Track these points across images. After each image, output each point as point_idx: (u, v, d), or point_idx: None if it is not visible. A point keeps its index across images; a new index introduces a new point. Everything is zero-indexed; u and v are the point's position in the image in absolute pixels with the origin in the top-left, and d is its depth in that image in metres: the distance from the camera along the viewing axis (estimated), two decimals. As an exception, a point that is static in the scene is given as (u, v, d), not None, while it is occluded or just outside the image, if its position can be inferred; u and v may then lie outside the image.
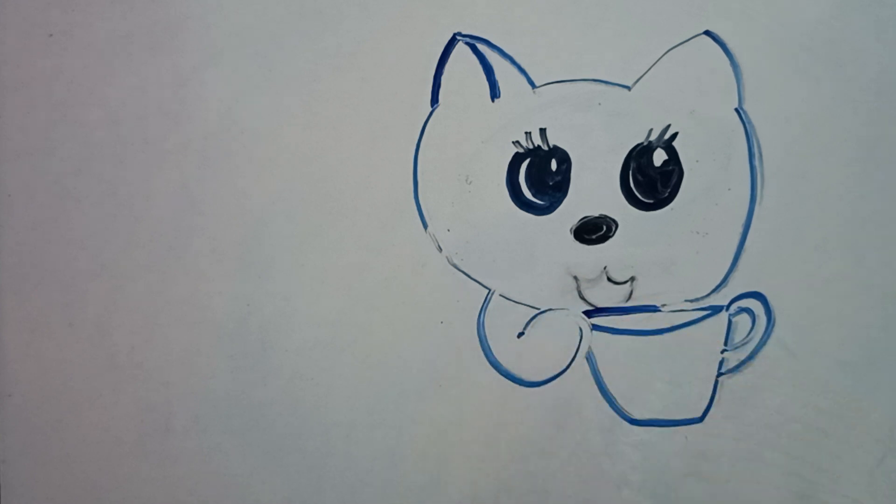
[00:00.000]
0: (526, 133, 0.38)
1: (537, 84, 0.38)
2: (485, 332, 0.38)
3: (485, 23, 0.37)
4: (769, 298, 0.41)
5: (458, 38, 0.36)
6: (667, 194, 0.40)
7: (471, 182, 0.37)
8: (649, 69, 0.39)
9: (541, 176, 0.38)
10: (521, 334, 0.39)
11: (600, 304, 0.40)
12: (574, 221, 0.39)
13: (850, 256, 0.42)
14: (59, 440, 0.33)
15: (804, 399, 0.42)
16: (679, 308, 0.41)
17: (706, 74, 0.40)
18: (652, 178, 0.40)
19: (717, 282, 0.41)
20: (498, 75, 0.37)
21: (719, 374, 0.41)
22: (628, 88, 0.39)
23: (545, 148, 0.38)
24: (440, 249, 0.37)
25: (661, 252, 0.40)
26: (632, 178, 0.39)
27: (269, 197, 0.35)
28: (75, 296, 0.33)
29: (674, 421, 0.41)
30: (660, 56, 0.39)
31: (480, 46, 0.37)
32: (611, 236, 0.39)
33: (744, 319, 0.41)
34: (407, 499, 0.38)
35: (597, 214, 0.39)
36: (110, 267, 0.33)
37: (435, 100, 0.37)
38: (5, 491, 0.33)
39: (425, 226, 0.37)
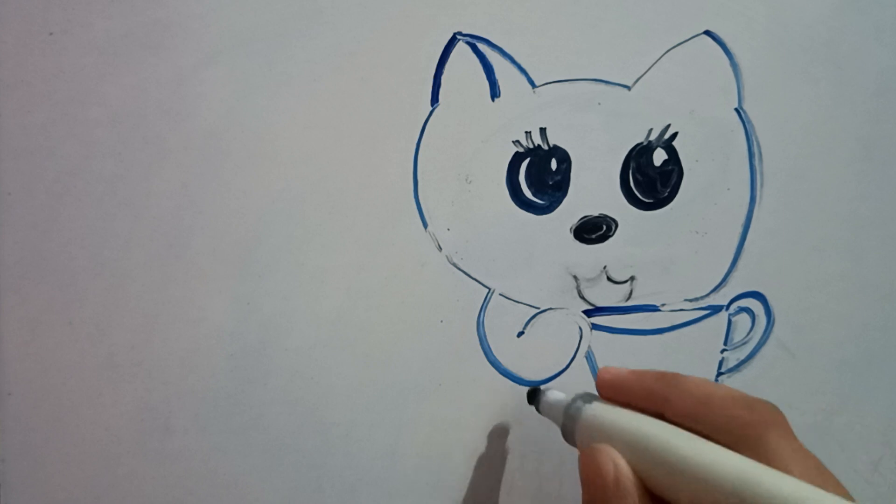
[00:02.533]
0: (526, 132, 0.38)
1: (537, 84, 0.38)
2: (484, 332, 0.38)
3: (485, 22, 0.37)
4: (769, 298, 0.41)
5: (459, 37, 0.36)
6: (666, 194, 0.40)
7: (471, 181, 0.37)
8: (649, 69, 0.39)
9: (541, 175, 0.38)
10: (520, 334, 0.39)
11: (600, 304, 0.40)
12: (574, 221, 0.39)
13: (849, 256, 0.42)
14: (58, 439, 0.33)
15: (803, 399, 0.43)
16: (679, 308, 0.41)
17: (706, 74, 0.40)
18: (652, 177, 0.40)
19: (717, 281, 0.41)
20: (498, 75, 0.37)
21: (719, 374, 0.41)
22: (628, 88, 0.39)
23: (545, 147, 0.38)
24: (440, 249, 0.37)
25: (661, 252, 0.40)
26: (631, 178, 0.39)
27: (269, 197, 0.35)
28: (75, 294, 0.33)
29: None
30: (660, 56, 0.39)
31: (480, 46, 0.37)
32: (610, 236, 0.39)
33: (743, 319, 0.41)
34: (407, 499, 0.38)
35: (596, 214, 0.39)
36: (110, 266, 0.33)
37: (435, 99, 0.37)
38: (5, 490, 0.33)
39: (425, 225, 0.37)
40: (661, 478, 0.28)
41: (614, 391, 0.32)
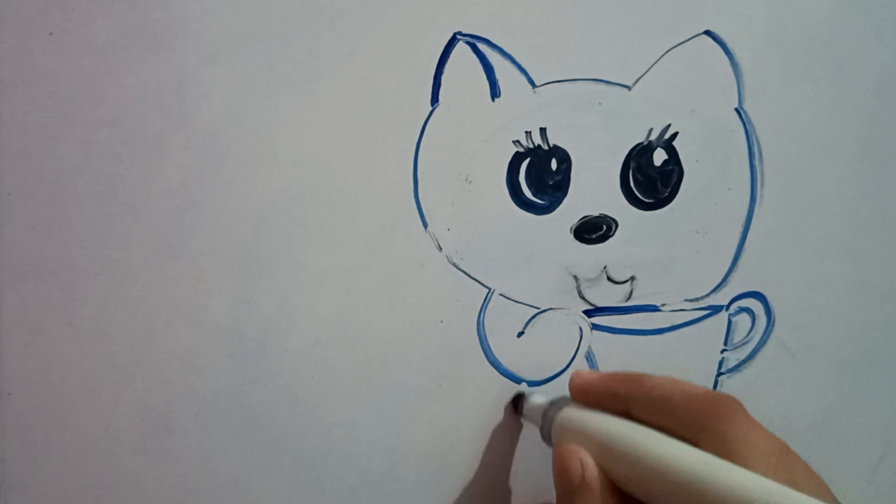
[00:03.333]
0: (526, 132, 0.38)
1: (537, 83, 0.38)
2: (485, 332, 0.38)
3: (485, 22, 0.37)
4: (769, 298, 0.41)
5: (459, 37, 0.36)
6: (667, 194, 0.40)
7: (471, 181, 0.37)
8: (649, 69, 0.39)
9: (541, 175, 0.38)
10: (520, 334, 0.39)
11: (600, 304, 0.40)
12: (574, 221, 0.39)
13: (849, 256, 0.42)
14: (58, 439, 0.33)
15: (804, 399, 0.43)
16: (679, 308, 0.41)
17: (706, 74, 0.40)
18: (652, 177, 0.40)
19: (717, 281, 0.41)
20: (498, 75, 0.37)
21: (719, 374, 0.41)
22: (628, 88, 0.39)
23: (545, 147, 0.38)
24: (440, 249, 0.37)
25: (661, 252, 0.40)
26: (632, 178, 0.39)
27: (269, 197, 0.35)
28: (75, 294, 0.33)
29: (673, 421, 0.41)
30: (660, 56, 0.39)
31: (480, 46, 0.37)
32: (611, 236, 0.39)
33: (743, 319, 0.41)
34: (406, 499, 0.38)
35: (597, 214, 0.39)
36: (110, 266, 0.33)
37: (435, 99, 0.37)
38: (5, 490, 0.33)
39: (425, 225, 0.37)
40: (627, 474, 0.30)
41: (584, 395, 0.35)
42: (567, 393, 0.36)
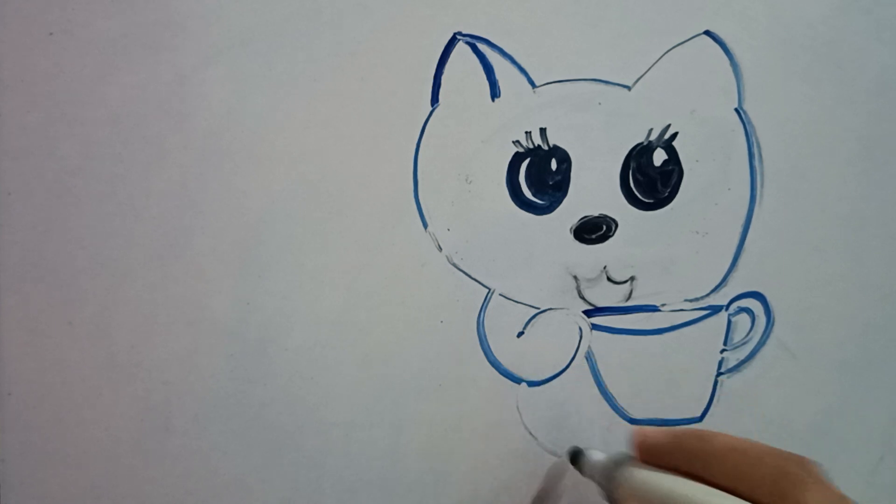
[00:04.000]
0: (526, 133, 0.38)
1: (537, 84, 0.38)
2: (485, 332, 0.38)
3: (485, 22, 0.37)
4: (769, 298, 0.41)
5: (459, 37, 0.36)
6: (667, 194, 0.40)
7: (471, 182, 0.37)
8: (649, 69, 0.39)
9: (541, 175, 0.38)
10: (520, 334, 0.39)
11: (600, 304, 0.40)
12: (574, 221, 0.39)
13: (849, 256, 0.42)
14: (58, 439, 0.33)
15: (803, 399, 0.43)
16: (679, 308, 0.41)
17: (706, 74, 0.40)
18: (652, 177, 0.40)
19: (717, 282, 0.41)
20: (498, 75, 0.37)
21: (719, 374, 0.41)
22: (628, 88, 0.39)
23: (545, 147, 0.38)
24: (440, 249, 0.37)
25: (661, 252, 0.40)
26: (632, 178, 0.39)
27: (269, 197, 0.35)
28: (75, 294, 0.33)
29: (673, 420, 0.41)
30: (660, 56, 0.39)
31: (480, 46, 0.37)
32: (611, 236, 0.39)
33: (743, 319, 0.41)
34: (406, 499, 0.38)
35: (597, 214, 0.39)
36: (110, 266, 0.33)
37: (435, 99, 0.37)
38: (5, 490, 0.33)
39: (425, 225, 0.37)
40: None
41: (651, 454, 0.33)
42: (624, 449, 0.35)
